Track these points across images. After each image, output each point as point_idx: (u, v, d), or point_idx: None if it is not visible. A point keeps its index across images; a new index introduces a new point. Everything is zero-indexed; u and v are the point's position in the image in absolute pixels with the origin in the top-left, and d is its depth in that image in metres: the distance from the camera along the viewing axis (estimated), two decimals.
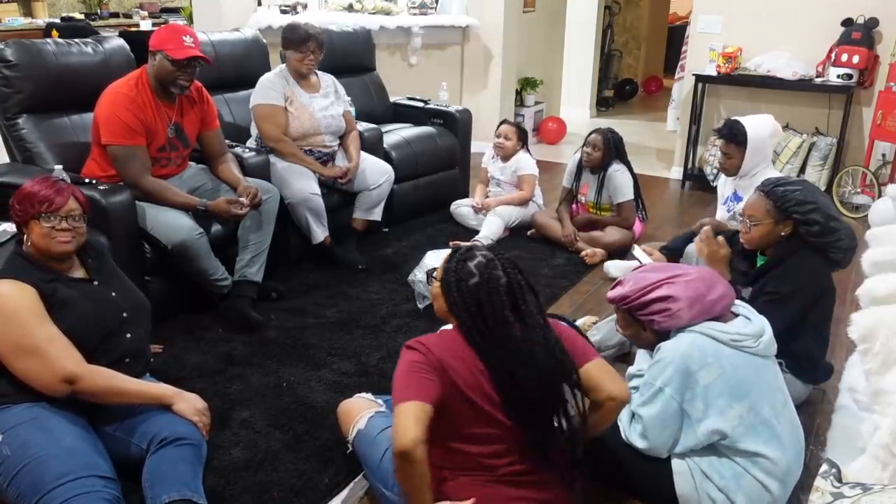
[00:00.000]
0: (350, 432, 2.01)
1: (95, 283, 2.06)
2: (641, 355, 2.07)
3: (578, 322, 2.90)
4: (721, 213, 3.43)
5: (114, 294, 2.08)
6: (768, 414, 1.82)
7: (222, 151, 3.22)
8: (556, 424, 1.70)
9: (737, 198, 3.29)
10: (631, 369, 2.08)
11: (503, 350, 1.67)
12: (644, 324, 1.93)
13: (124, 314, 2.06)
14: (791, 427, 1.89)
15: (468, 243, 3.94)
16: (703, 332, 1.82)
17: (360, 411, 2.03)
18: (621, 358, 2.79)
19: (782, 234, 2.35)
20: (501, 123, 4.39)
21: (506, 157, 4.31)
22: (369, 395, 2.14)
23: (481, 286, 1.69)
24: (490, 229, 4.11)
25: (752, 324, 1.87)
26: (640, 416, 1.87)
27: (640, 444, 1.87)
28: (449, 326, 1.79)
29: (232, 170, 3.17)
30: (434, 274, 1.81)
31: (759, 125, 3.18)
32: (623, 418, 1.95)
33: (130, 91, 2.85)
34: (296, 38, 3.52)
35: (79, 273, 2.06)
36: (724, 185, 3.46)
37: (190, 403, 2.01)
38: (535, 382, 1.66)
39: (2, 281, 1.88)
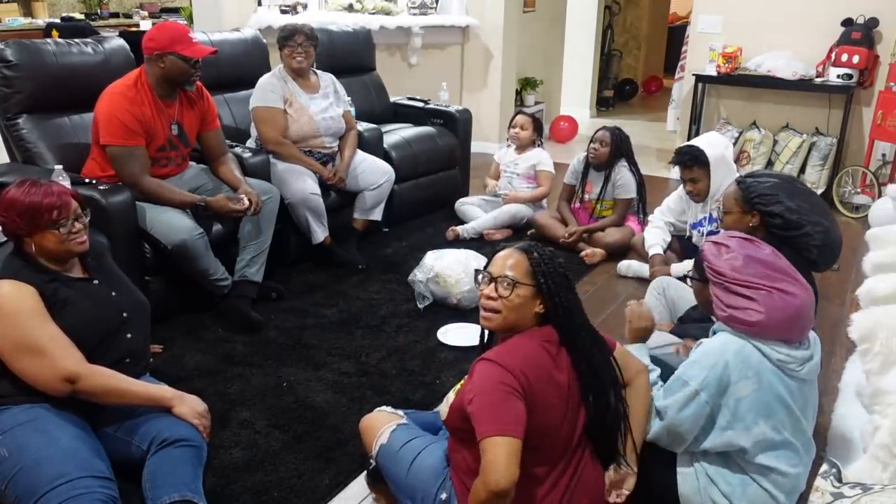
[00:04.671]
0: (373, 447, 1.98)
1: (95, 282, 2.06)
2: (658, 336, 2.05)
3: None
4: (695, 238, 3.40)
5: (114, 294, 2.07)
6: (789, 433, 1.78)
7: (223, 151, 3.21)
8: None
9: (712, 220, 3.24)
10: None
11: (583, 338, 1.72)
12: (712, 296, 1.84)
13: (124, 314, 2.05)
14: (807, 444, 1.85)
15: (457, 229, 4.09)
16: (754, 344, 1.75)
17: (381, 425, 2.00)
18: None
19: (750, 224, 2.37)
20: (516, 114, 4.40)
21: (521, 149, 4.34)
22: (389, 408, 2.11)
23: (568, 275, 1.73)
24: (485, 223, 4.15)
25: (801, 348, 1.79)
26: (664, 412, 1.81)
27: (652, 435, 1.83)
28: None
29: (232, 170, 3.16)
30: (505, 278, 1.71)
31: (712, 141, 3.21)
32: None
33: (129, 91, 2.85)
34: (283, 35, 3.57)
35: (78, 273, 2.05)
36: (689, 209, 3.42)
37: (190, 406, 2.00)
38: (604, 364, 1.75)
39: (2, 281, 1.88)
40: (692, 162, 3.13)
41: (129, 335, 2.05)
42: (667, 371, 2.02)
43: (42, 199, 1.91)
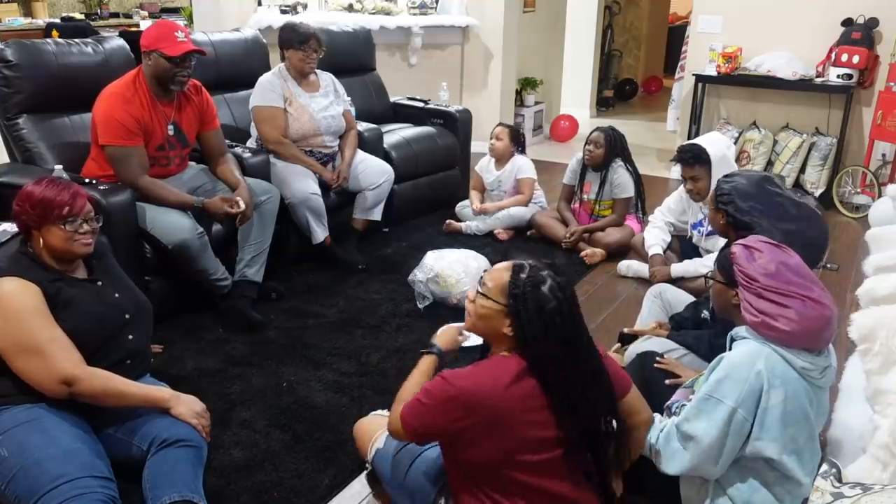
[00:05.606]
0: (369, 451, 1.98)
1: (99, 283, 2.06)
2: (657, 341, 2.02)
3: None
4: (695, 238, 3.42)
5: (117, 295, 2.07)
6: (804, 441, 1.75)
7: (222, 151, 3.21)
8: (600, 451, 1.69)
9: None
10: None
11: (573, 373, 1.60)
12: (738, 302, 1.78)
13: (127, 315, 2.05)
14: (815, 451, 1.82)
15: (461, 225, 4.10)
16: (778, 351, 1.70)
17: (377, 429, 2.00)
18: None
19: (720, 222, 2.40)
20: (497, 125, 4.39)
21: (500, 160, 4.29)
22: (385, 412, 2.09)
23: (561, 311, 1.59)
24: (489, 226, 4.18)
25: (822, 356, 1.75)
26: (698, 438, 1.71)
27: (680, 466, 1.75)
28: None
29: (232, 170, 3.16)
30: (483, 290, 1.66)
31: (715, 140, 3.20)
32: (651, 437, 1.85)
33: (127, 91, 2.85)
34: (297, 37, 3.52)
35: (82, 273, 2.05)
36: (689, 209, 3.44)
37: (188, 406, 2.00)
38: (595, 408, 1.63)
39: (7, 279, 1.88)
40: (694, 160, 3.13)
41: (130, 336, 2.05)
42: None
43: (56, 196, 1.94)
